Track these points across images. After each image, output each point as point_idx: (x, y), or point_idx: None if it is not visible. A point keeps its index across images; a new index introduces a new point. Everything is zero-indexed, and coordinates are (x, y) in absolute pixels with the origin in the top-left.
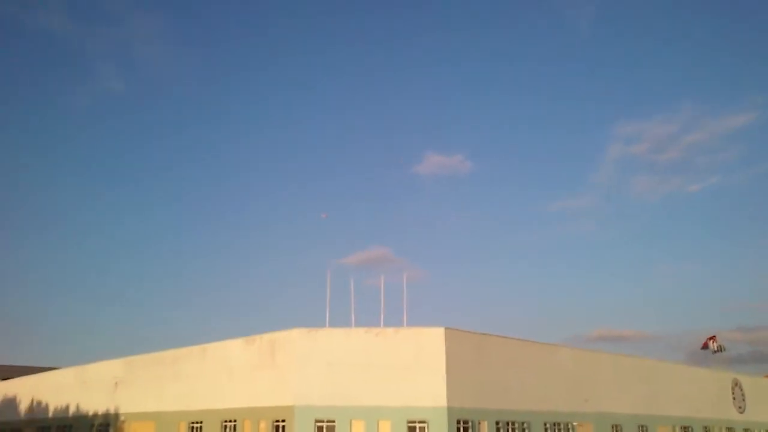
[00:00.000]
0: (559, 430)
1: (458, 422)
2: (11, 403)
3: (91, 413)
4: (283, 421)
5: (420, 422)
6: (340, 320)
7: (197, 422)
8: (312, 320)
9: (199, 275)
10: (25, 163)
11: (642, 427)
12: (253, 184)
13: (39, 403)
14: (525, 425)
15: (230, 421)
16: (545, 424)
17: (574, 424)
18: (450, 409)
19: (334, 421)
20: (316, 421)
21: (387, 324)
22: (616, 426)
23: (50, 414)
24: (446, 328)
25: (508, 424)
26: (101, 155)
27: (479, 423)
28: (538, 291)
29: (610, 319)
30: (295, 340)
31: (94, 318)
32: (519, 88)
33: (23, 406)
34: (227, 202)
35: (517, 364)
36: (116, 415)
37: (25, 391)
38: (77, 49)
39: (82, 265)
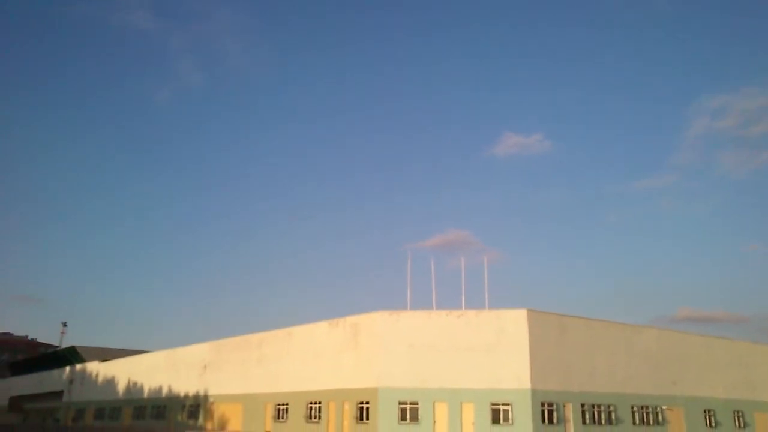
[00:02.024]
0: (647, 413)
1: (542, 404)
2: (111, 383)
3: (182, 394)
4: (367, 402)
5: (504, 404)
6: (421, 303)
7: (283, 404)
8: (393, 303)
9: (281, 261)
10: (116, 158)
11: (737, 412)
12: (331, 170)
13: (135, 384)
14: (611, 408)
15: (315, 403)
16: (632, 407)
17: (663, 407)
18: (534, 392)
19: (417, 403)
20: (400, 403)
21: (468, 306)
22: (709, 411)
23: (145, 395)
24: (528, 310)
25: (593, 406)
26: (188, 149)
27: (564, 405)
28: (620, 271)
29: (694, 300)
30: (377, 322)
31: (182, 304)
32: (596, 63)
33: (121, 387)
34: (308, 189)
35: (601, 346)
36: (205, 397)
37: (122, 373)
38: (160, 45)
39: (171, 255)
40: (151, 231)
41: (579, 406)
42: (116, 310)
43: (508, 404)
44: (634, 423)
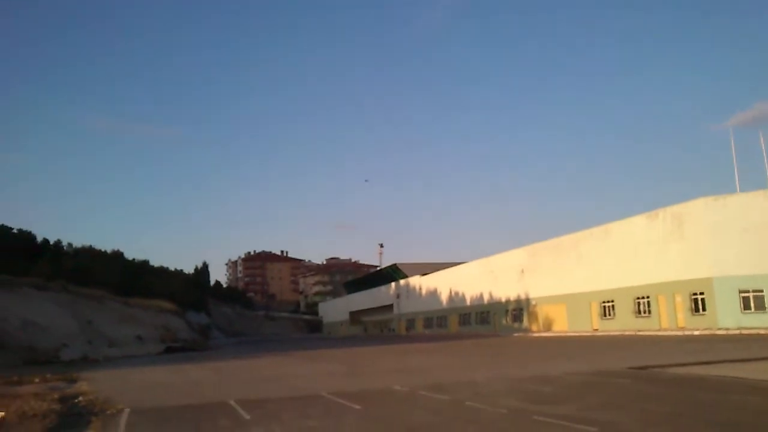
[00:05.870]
0: None
1: None
2: (434, 294)
3: (503, 299)
4: (701, 293)
5: None
6: (748, 184)
7: (608, 301)
8: (707, 188)
9: (591, 156)
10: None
11: None
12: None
13: (457, 294)
14: None
15: (642, 298)
16: None
17: None
18: None
19: (761, 291)
20: (740, 291)
21: None
22: None
23: (468, 302)
24: None
25: None
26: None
27: None
28: None
29: None
30: (702, 209)
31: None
32: None
33: (444, 297)
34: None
35: None
36: (527, 300)
37: (443, 284)
38: None
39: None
40: (440, 141)
41: None
42: (425, 228)
43: None
44: None
